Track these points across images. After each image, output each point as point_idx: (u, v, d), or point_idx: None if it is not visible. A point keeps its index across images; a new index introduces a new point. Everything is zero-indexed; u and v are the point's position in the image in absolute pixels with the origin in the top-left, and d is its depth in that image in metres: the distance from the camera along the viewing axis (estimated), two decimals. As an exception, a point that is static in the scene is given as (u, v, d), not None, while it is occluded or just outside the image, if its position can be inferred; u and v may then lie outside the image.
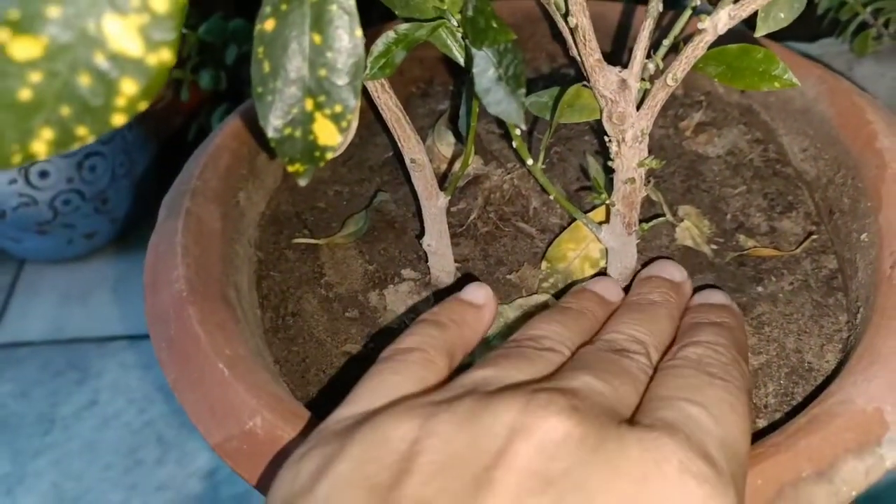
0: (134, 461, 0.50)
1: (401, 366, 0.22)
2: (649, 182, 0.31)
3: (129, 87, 0.13)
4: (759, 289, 0.29)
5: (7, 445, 0.50)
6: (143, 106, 0.13)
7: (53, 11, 0.12)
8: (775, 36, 0.25)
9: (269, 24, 0.17)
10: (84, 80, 0.13)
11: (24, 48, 0.12)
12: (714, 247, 0.31)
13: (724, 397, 0.20)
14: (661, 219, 0.31)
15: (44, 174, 0.55)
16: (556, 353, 0.22)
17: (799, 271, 0.30)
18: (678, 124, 0.36)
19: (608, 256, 0.30)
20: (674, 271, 0.28)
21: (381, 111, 0.26)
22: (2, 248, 0.61)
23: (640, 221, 0.29)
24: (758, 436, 0.23)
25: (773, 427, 0.24)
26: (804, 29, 0.51)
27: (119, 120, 0.13)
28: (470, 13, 0.21)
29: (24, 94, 0.13)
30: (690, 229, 0.31)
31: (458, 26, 0.23)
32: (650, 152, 0.26)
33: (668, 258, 0.29)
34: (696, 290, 0.28)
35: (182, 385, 0.24)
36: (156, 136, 0.62)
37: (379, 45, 0.22)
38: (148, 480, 0.49)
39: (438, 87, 0.39)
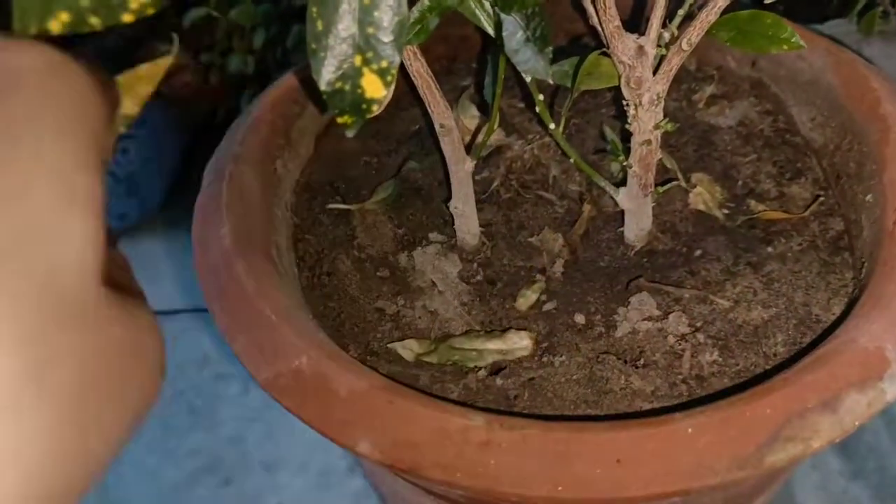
0: (166, 428, 0.52)
1: None
2: (664, 150, 0.32)
3: (141, -7, 0.15)
4: (769, 249, 0.31)
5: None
6: (150, 10, 0.15)
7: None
8: (784, 16, 0.27)
9: (323, -14, 0.19)
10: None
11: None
12: (725, 211, 0.33)
13: None
14: (674, 183, 0.32)
15: (78, 156, 0.57)
16: None
17: (807, 233, 0.31)
18: (691, 97, 0.37)
19: (625, 218, 0.31)
20: None
21: (413, 78, 0.27)
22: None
23: (655, 185, 0.30)
24: (768, 376, 0.24)
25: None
26: (813, 10, 0.52)
27: (127, 18, 0.15)
28: (500, -19, 0.23)
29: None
30: (703, 194, 0.33)
31: (487, -5, 0.25)
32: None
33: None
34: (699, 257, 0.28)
35: (233, 330, 0.26)
36: (184, 121, 0.64)
37: (414, 13, 0.24)
38: (180, 446, 0.51)
39: (461, 65, 0.41)
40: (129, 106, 0.17)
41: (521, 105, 0.37)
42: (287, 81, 0.35)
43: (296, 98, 0.35)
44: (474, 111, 0.37)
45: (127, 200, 0.61)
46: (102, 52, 0.57)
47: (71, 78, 0.14)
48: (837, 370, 0.22)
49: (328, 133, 0.37)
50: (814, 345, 0.27)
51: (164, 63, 0.17)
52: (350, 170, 0.36)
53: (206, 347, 0.56)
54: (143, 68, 0.17)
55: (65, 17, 0.15)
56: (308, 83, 0.34)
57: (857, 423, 0.22)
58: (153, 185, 0.62)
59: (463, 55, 0.41)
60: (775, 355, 0.27)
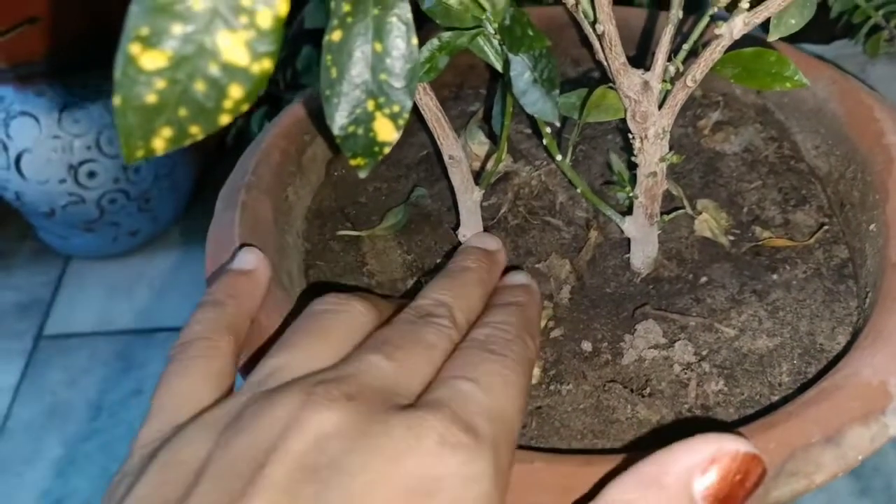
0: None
1: (187, 365, 0.23)
2: (669, 178, 0.33)
3: (236, 92, 0.15)
4: (774, 276, 0.31)
5: (58, 430, 0.53)
6: (245, 107, 0.16)
7: (177, 29, 0.15)
8: (791, 38, 0.27)
9: (336, 35, 0.20)
10: (199, 87, 0.15)
11: (152, 60, 0.15)
12: (731, 238, 0.33)
13: (498, 370, 0.22)
14: (680, 211, 0.33)
15: (92, 174, 0.58)
16: (356, 316, 0.24)
17: (812, 260, 0.32)
18: (697, 123, 0.38)
19: (631, 246, 0.32)
20: (488, 241, 0.30)
21: (422, 111, 0.28)
22: (50, 244, 0.64)
23: (661, 213, 0.31)
24: (772, 409, 0.25)
25: (786, 402, 0.26)
26: (819, 31, 0.53)
27: (225, 119, 0.16)
28: (507, 22, 0.23)
29: (150, 99, 0.15)
30: (709, 221, 0.33)
31: (496, 34, 0.26)
32: (670, 149, 0.28)
33: (486, 232, 0.32)
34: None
35: (242, 362, 0.26)
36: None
37: (424, 52, 0.25)
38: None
39: (469, 91, 0.41)
40: None
41: (529, 131, 0.38)
42: (297, 109, 0.35)
43: (306, 126, 0.35)
44: (482, 137, 0.37)
45: (139, 217, 0.62)
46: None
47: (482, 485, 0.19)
48: (840, 404, 0.23)
49: (339, 159, 0.37)
50: (819, 375, 0.27)
51: None
52: (360, 196, 0.36)
53: (217, 364, 0.57)
54: None
55: (167, 132, 0.16)
56: (315, 117, 0.34)
57: (860, 458, 0.22)
58: (166, 202, 0.63)
59: (471, 81, 0.41)
60: (780, 385, 0.28)
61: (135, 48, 0.15)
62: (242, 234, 0.30)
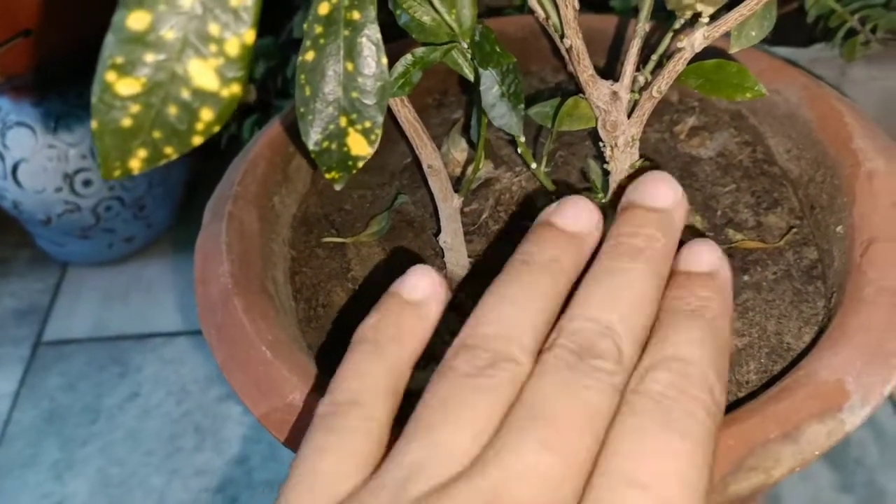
0: (174, 448, 0.53)
1: (339, 439, 0.19)
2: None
3: (206, 115, 0.16)
4: (746, 277, 0.32)
5: (56, 434, 0.54)
6: (217, 128, 0.17)
7: (150, 57, 0.16)
8: (770, 41, 0.28)
9: (310, 56, 0.21)
10: (172, 110, 0.16)
11: (127, 86, 0.16)
12: (705, 240, 0.34)
13: (677, 469, 0.18)
14: (655, 215, 0.34)
15: (87, 183, 0.59)
16: (508, 367, 0.19)
17: (782, 262, 0.33)
18: (673, 128, 0.39)
19: (607, 250, 0.33)
20: (662, 191, 0.23)
21: (400, 123, 0.29)
22: (46, 251, 0.65)
23: (636, 218, 0.32)
24: (737, 406, 0.26)
25: (752, 399, 0.27)
26: (798, 34, 0.54)
27: (198, 140, 0.17)
28: (477, 38, 0.24)
29: (126, 122, 0.16)
30: (683, 225, 0.34)
31: (468, 48, 0.27)
32: (647, 155, 0.29)
33: (658, 169, 0.24)
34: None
35: (230, 366, 0.27)
36: (188, 146, 0.66)
37: (399, 67, 0.26)
38: (187, 466, 0.52)
39: (452, 98, 0.42)
40: None
41: (509, 137, 0.39)
42: (282, 120, 0.36)
43: (292, 136, 0.36)
44: (464, 144, 0.38)
45: (134, 224, 0.63)
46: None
47: None
48: (799, 402, 0.24)
49: (308, 163, 0.38)
50: (784, 372, 0.28)
51: None
52: (345, 203, 0.37)
53: (212, 369, 0.58)
54: None
55: (143, 153, 0.17)
56: (293, 132, 0.35)
57: (817, 453, 0.23)
58: (160, 209, 0.64)
59: (453, 88, 0.42)
60: (748, 383, 0.29)
61: (110, 75, 0.16)
62: (230, 243, 0.31)
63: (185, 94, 0.16)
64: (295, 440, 0.25)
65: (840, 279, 0.30)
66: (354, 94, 0.21)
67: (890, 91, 0.55)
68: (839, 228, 0.31)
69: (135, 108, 0.16)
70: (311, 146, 0.21)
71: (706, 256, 0.23)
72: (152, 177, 0.62)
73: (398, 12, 0.27)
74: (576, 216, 0.22)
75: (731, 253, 0.33)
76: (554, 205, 0.23)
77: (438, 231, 0.34)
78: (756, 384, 0.28)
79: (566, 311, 0.21)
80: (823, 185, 0.33)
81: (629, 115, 0.28)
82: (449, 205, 0.32)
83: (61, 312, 0.62)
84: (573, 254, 0.22)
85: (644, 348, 0.21)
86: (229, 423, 0.54)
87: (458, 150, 0.38)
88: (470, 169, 0.37)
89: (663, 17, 0.37)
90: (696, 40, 0.25)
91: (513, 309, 0.20)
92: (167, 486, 0.52)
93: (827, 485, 0.49)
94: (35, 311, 0.62)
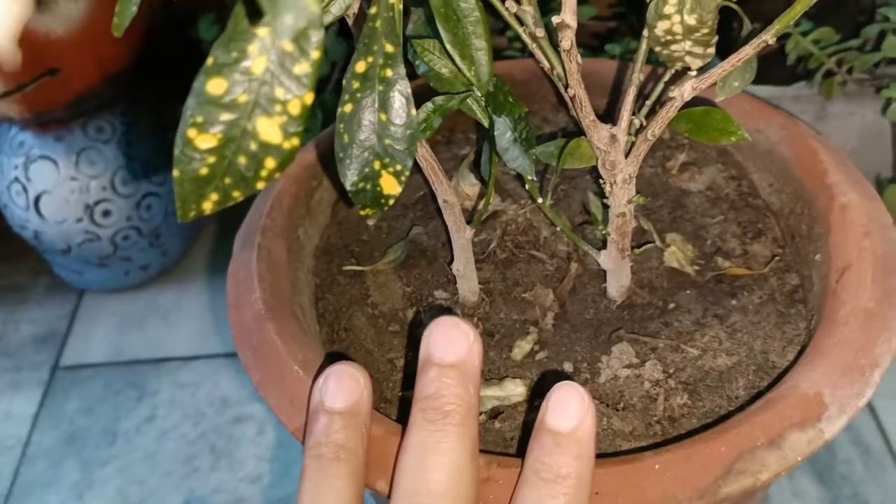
0: (191, 468, 0.55)
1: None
2: (641, 213, 0.37)
3: (270, 163, 0.19)
4: (734, 302, 0.35)
5: (76, 456, 0.56)
6: (278, 175, 0.19)
7: (225, 116, 0.19)
8: (755, 79, 0.31)
9: (348, 108, 0.24)
10: (242, 160, 0.19)
11: (205, 141, 0.19)
12: (696, 268, 0.37)
13: None
14: (650, 245, 0.37)
15: (107, 213, 0.61)
16: None
17: (767, 287, 0.36)
18: (665, 164, 0.42)
19: (607, 276, 0.36)
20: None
21: (419, 161, 0.32)
22: (65, 279, 0.68)
23: (633, 247, 0.34)
24: (726, 418, 0.28)
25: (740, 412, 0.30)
26: (780, 73, 0.57)
27: (261, 185, 0.20)
28: (491, 89, 0.27)
29: (203, 171, 0.19)
30: (676, 253, 0.37)
31: (482, 97, 0.30)
32: (641, 188, 0.32)
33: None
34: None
35: (265, 384, 0.30)
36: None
37: (421, 114, 0.29)
38: (204, 485, 0.54)
39: (460, 135, 0.45)
40: None
41: (514, 173, 0.42)
42: (304, 157, 0.39)
43: (314, 172, 0.39)
44: (473, 179, 0.41)
45: (150, 252, 0.66)
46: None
47: None
48: (782, 413, 0.26)
49: (343, 201, 0.41)
50: (769, 388, 0.31)
51: None
52: (363, 234, 0.40)
53: (225, 392, 0.60)
54: None
55: (215, 196, 0.19)
56: (325, 160, 0.38)
57: (799, 459, 0.26)
58: (174, 238, 0.66)
59: (461, 126, 0.45)
60: (737, 398, 0.31)
61: (191, 132, 0.19)
62: (260, 272, 0.33)
63: (253, 147, 0.19)
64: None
65: (819, 302, 0.32)
66: (387, 142, 0.24)
67: (868, 125, 0.59)
68: (818, 256, 0.34)
69: (211, 160, 0.19)
70: (348, 187, 0.24)
71: (572, 406, 0.23)
72: (168, 207, 0.65)
73: (417, 63, 0.30)
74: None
75: (720, 279, 0.36)
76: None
77: (451, 260, 0.36)
78: (745, 399, 0.31)
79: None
80: (802, 216, 0.36)
81: (626, 155, 0.31)
82: (461, 235, 0.34)
83: (79, 338, 0.64)
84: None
85: None
86: (244, 444, 0.56)
87: (468, 185, 0.41)
88: (481, 202, 0.40)
89: (656, 59, 0.40)
90: (686, 91, 0.28)
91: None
92: (184, 506, 0.54)
93: (815, 498, 0.51)
94: (53, 337, 0.65)
